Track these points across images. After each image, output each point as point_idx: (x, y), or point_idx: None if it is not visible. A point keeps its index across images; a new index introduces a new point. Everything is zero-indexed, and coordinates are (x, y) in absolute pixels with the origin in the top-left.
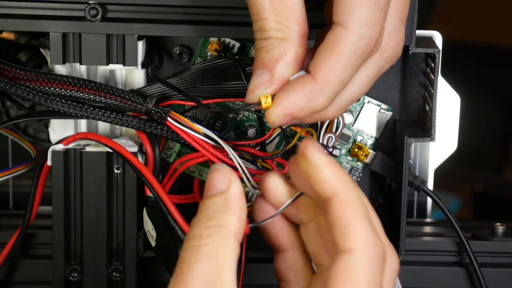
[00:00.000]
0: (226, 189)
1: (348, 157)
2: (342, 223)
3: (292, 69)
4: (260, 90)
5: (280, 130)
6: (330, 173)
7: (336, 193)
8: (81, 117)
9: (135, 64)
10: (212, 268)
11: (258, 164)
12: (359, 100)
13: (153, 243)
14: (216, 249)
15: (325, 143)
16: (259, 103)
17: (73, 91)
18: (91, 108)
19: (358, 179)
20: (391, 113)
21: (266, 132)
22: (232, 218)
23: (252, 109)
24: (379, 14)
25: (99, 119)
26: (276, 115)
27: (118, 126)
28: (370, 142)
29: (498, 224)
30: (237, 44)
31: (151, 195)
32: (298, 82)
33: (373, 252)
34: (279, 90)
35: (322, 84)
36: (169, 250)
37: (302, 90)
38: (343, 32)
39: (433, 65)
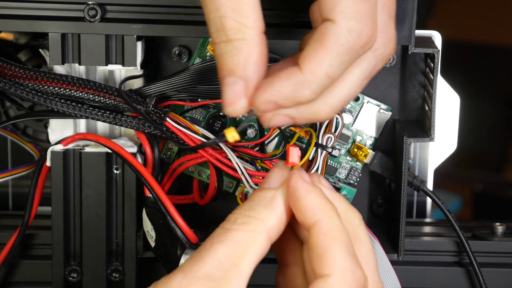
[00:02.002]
0: (278, 188)
1: (348, 157)
2: (320, 251)
3: (261, 70)
4: (239, 101)
5: (279, 131)
6: (310, 203)
7: (316, 222)
8: (80, 117)
9: (134, 64)
10: (232, 253)
11: (257, 165)
12: (358, 100)
13: (153, 244)
14: (243, 238)
15: (324, 143)
16: (225, 139)
17: (72, 91)
18: (90, 108)
19: (358, 179)
20: (390, 113)
21: (266, 133)
22: (272, 216)
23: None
24: (365, 6)
25: (98, 119)
26: (260, 100)
27: (117, 127)
28: (369, 142)
29: (497, 224)
30: None
31: (151, 195)
32: (285, 72)
33: (349, 279)
34: (258, 96)
35: (308, 77)
36: (169, 251)
37: (287, 80)
38: (330, 26)
39: (432, 65)
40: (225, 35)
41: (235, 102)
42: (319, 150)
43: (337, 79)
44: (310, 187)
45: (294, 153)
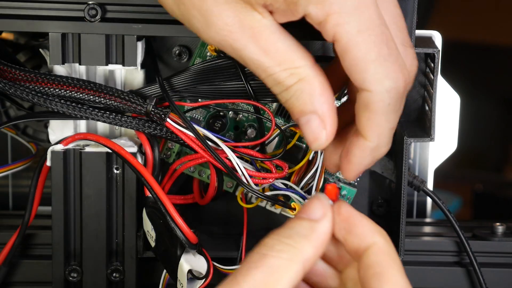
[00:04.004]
0: (318, 220)
1: None
2: (379, 269)
3: (327, 97)
4: (320, 134)
5: (279, 131)
6: (367, 226)
7: (374, 243)
8: (81, 118)
9: (134, 64)
10: (268, 279)
11: (257, 165)
12: None
13: (153, 244)
14: (280, 265)
15: None
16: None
17: (72, 92)
18: (91, 108)
19: (358, 179)
20: None
21: (266, 133)
22: (310, 247)
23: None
24: (389, 56)
25: (98, 120)
26: (352, 177)
27: (117, 127)
28: None
29: (498, 224)
30: None
31: (151, 195)
32: (357, 146)
33: None
34: (334, 122)
35: (376, 142)
36: (169, 251)
37: (363, 153)
38: (369, 95)
39: (432, 65)
40: (282, 85)
41: (317, 138)
42: (319, 150)
43: None
44: (360, 213)
45: (332, 192)
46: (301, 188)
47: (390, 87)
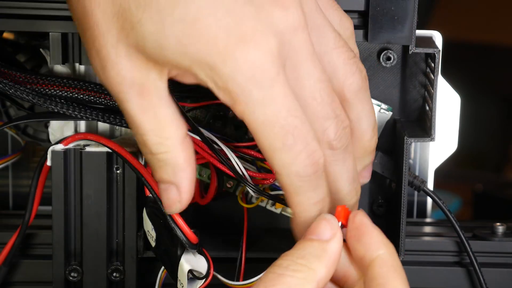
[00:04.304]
0: (328, 240)
1: None
2: (383, 280)
3: (189, 172)
4: (175, 203)
5: None
6: (376, 237)
7: (379, 255)
8: (81, 118)
9: None
10: None
11: (258, 165)
12: None
13: (153, 243)
14: (296, 284)
15: None
16: None
17: (73, 93)
18: (91, 109)
19: None
20: (391, 113)
21: None
22: (323, 268)
23: None
24: (295, 145)
25: (98, 120)
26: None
27: (117, 127)
28: None
29: (498, 224)
30: None
31: (151, 195)
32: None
33: None
34: (190, 195)
35: (303, 216)
36: (169, 250)
37: (293, 225)
38: (280, 178)
39: (433, 65)
40: (149, 150)
41: (171, 205)
42: None
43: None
44: (373, 224)
45: (341, 214)
46: None
47: (297, 172)
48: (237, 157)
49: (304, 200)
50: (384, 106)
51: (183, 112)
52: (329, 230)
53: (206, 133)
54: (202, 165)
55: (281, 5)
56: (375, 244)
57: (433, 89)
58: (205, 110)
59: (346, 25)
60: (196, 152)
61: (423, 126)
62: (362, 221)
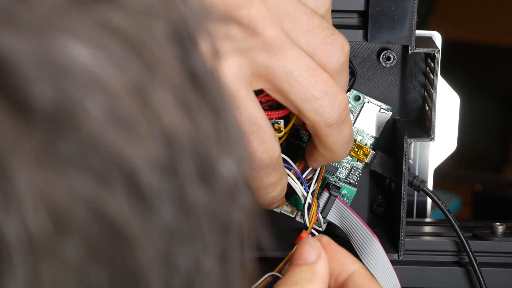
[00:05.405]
0: (315, 262)
1: (348, 157)
2: None
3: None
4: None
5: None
6: (347, 255)
7: (356, 269)
8: None
9: None
10: None
11: None
12: (359, 99)
13: None
14: None
15: None
16: None
17: None
18: None
19: (358, 178)
20: (391, 113)
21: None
22: None
23: None
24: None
25: None
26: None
27: None
28: (370, 142)
29: (497, 224)
30: None
31: None
32: (319, 155)
33: None
34: None
35: (336, 153)
36: None
37: (325, 160)
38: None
39: (432, 65)
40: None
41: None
42: None
43: None
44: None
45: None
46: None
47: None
48: None
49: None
50: (384, 106)
51: None
52: (313, 252)
53: None
54: None
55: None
56: (350, 259)
57: (432, 89)
58: None
59: (322, 2)
60: None
61: (422, 126)
62: (329, 241)
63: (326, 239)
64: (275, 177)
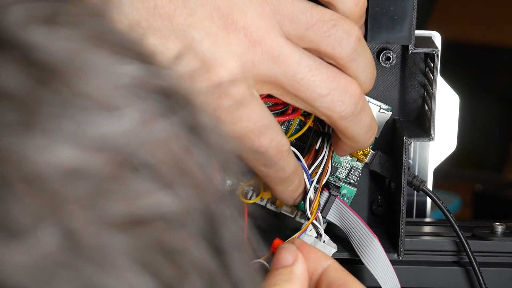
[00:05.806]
0: (292, 264)
1: (348, 157)
2: (341, 281)
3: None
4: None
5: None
6: (320, 252)
7: (330, 264)
8: None
9: None
10: None
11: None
12: None
13: None
14: None
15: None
16: None
17: None
18: None
19: (358, 178)
20: (391, 113)
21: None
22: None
23: None
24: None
25: None
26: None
27: None
28: None
29: (497, 224)
30: None
31: None
32: (344, 144)
33: None
34: None
35: (359, 140)
36: None
37: (350, 148)
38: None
39: (432, 65)
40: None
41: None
42: (325, 140)
43: None
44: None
45: (279, 244)
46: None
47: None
48: None
49: (356, 126)
50: (384, 106)
51: None
52: (289, 255)
53: None
54: None
55: None
56: (323, 256)
57: (432, 89)
58: None
59: None
60: None
61: (422, 126)
62: (302, 242)
63: (299, 241)
64: (290, 169)
